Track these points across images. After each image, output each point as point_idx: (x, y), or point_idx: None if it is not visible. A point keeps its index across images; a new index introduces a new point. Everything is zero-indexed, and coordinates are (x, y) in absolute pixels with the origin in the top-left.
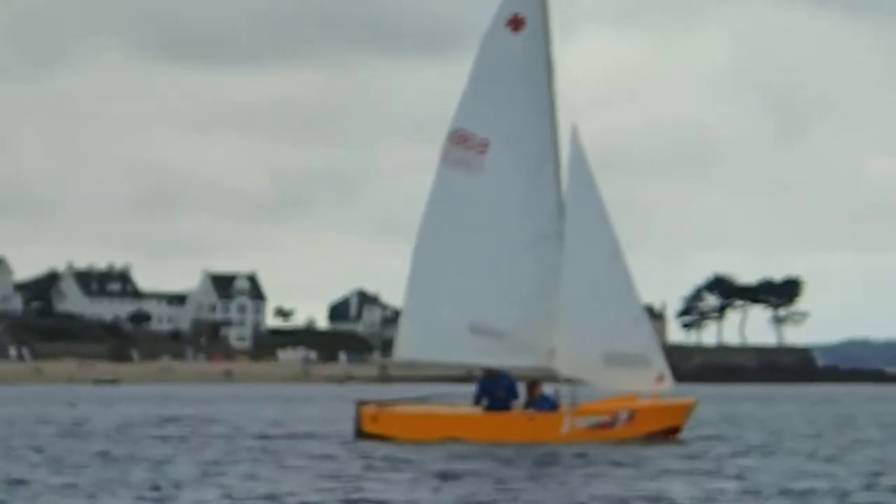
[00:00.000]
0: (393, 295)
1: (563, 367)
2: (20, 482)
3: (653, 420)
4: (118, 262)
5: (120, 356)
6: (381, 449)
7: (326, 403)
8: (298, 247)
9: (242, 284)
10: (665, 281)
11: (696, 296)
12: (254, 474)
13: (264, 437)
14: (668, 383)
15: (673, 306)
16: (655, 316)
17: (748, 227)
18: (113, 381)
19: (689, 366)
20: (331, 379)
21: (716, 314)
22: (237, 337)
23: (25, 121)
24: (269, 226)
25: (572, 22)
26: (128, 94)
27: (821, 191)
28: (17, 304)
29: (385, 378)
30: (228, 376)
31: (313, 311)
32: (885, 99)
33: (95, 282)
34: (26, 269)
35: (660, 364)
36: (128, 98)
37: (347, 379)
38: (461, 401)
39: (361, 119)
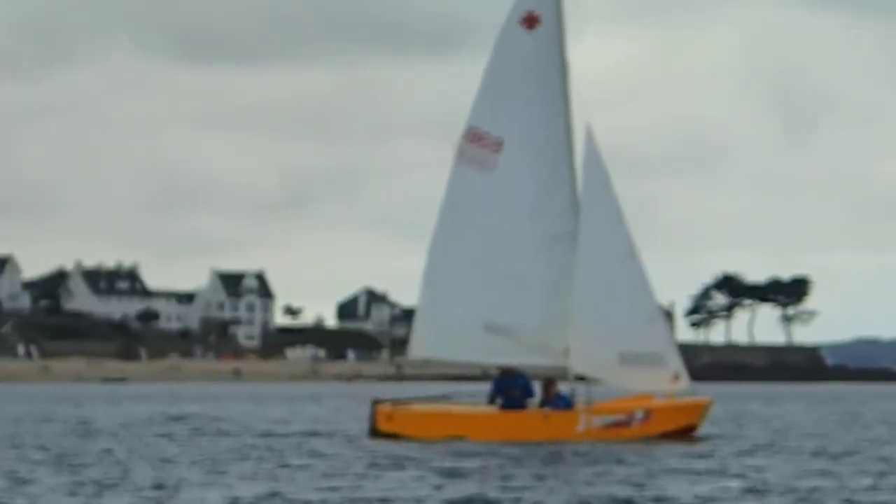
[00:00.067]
0: (401, 293)
1: (578, 367)
2: (23, 481)
3: (668, 419)
4: (126, 261)
5: (128, 355)
6: (386, 447)
7: (335, 402)
8: (307, 245)
9: (251, 283)
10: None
11: (705, 294)
12: (258, 473)
13: (270, 435)
14: (684, 382)
15: (681, 305)
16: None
17: (757, 225)
18: (121, 380)
19: (698, 365)
20: (339, 377)
21: (724, 313)
22: (246, 335)
23: (35, 120)
24: (278, 224)
25: (579, 21)
26: (137, 93)
27: (829, 190)
28: (25, 302)
29: (400, 377)
30: (237, 375)
31: (322, 310)
32: (894, 98)
33: (104, 280)
34: (35, 267)
35: (675, 363)
36: (137, 97)
37: (356, 377)
38: (476, 400)
39: (370, 118)
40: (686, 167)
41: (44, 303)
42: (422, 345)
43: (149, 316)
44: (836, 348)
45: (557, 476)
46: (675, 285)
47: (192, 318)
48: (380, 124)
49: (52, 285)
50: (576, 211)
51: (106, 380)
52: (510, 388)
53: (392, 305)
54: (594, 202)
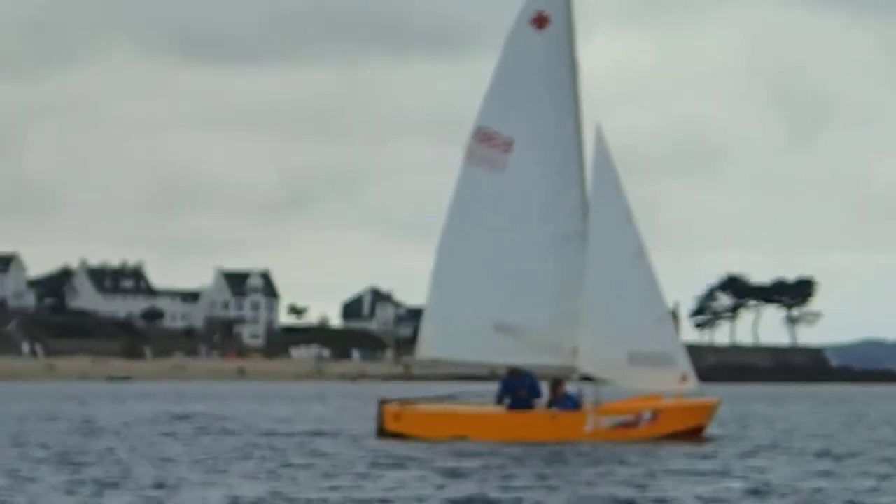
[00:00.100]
0: (406, 293)
1: (587, 367)
2: (26, 479)
3: (676, 420)
4: (131, 260)
5: (133, 353)
6: (388, 447)
7: (339, 401)
8: (312, 245)
9: (256, 282)
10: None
11: (710, 295)
12: (260, 473)
13: (273, 434)
14: (693, 383)
15: (686, 306)
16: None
17: (762, 226)
18: (126, 378)
19: (702, 365)
20: (344, 377)
21: (729, 314)
22: (250, 334)
23: (39, 119)
24: (283, 224)
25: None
26: (140, 93)
27: (834, 190)
28: (30, 300)
29: (408, 377)
30: (241, 374)
31: (326, 309)
32: None
33: (109, 279)
34: (40, 265)
35: (684, 364)
36: (139, 97)
37: (360, 377)
38: (483, 400)
39: (373, 117)
40: (690, 167)
41: (49, 301)
42: (430, 345)
43: (153, 315)
44: (841, 349)
45: (559, 476)
46: (680, 286)
47: (196, 317)
48: (381, 124)
49: (56, 284)
50: (585, 211)
51: (111, 378)
52: (518, 388)
53: (397, 305)
54: (604, 202)
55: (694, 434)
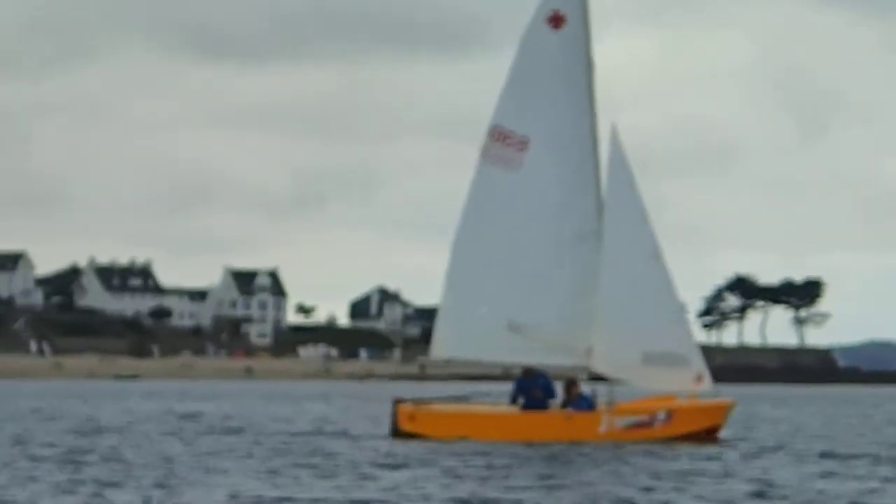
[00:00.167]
0: (414, 292)
1: (601, 367)
2: (28, 478)
3: (691, 420)
4: (140, 258)
5: (141, 352)
6: (392, 446)
7: (346, 401)
8: (320, 244)
9: (264, 281)
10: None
11: (717, 296)
12: (263, 472)
13: (278, 433)
14: (707, 383)
15: (694, 306)
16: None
17: (769, 227)
18: (133, 377)
19: (710, 366)
20: (351, 376)
21: (737, 314)
22: (258, 333)
23: (47, 117)
24: (291, 223)
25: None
26: (150, 91)
27: (843, 191)
28: (38, 298)
29: (422, 376)
30: (249, 373)
31: (334, 308)
32: None
33: (117, 277)
34: (48, 263)
35: (698, 364)
36: (149, 95)
37: (368, 376)
38: (496, 400)
39: (383, 116)
40: (698, 167)
41: (56, 299)
42: (444, 345)
43: (161, 313)
44: (849, 350)
45: (562, 477)
46: (688, 286)
47: (204, 315)
48: (390, 123)
49: (65, 282)
50: (600, 211)
51: (118, 377)
52: (532, 388)
53: (405, 304)
54: (619, 202)
55: (709, 434)
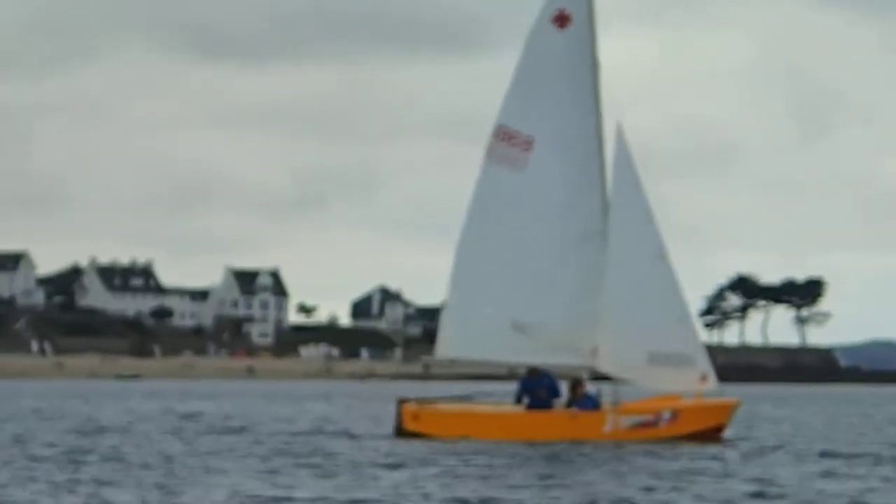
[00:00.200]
0: (415, 292)
1: (606, 367)
2: (28, 478)
3: (696, 420)
4: (141, 258)
5: (142, 351)
6: (392, 446)
7: (347, 400)
8: (321, 244)
9: (265, 281)
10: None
11: (719, 295)
12: (263, 471)
13: (279, 433)
14: (712, 383)
15: (695, 306)
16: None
17: (771, 226)
18: (135, 377)
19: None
20: (353, 376)
21: (738, 314)
22: (259, 333)
23: (49, 117)
24: (292, 223)
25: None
26: (151, 91)
27: (844, 191)
28: (39, 298)
29: (427, 376)
30: (250, 372)
31: (336, 308)
32: None
33: (118, 277)
34: (49, 263)
35: (704, 364)
36: (151, 96)
37: (369, 376)
38: (502, 399)
39: (383, 116)
40: (700, 167)
41: (58, 299)
42: (449, 344)
43: (163, 313)
44: (850, 350)
45: (562, 476)
46: (689, 286)
47: (205, 315)
48: (391, 123)
49: (66, 282)
50: (606, 211)
51: (119, 377)
52: (536, 387)
53: (406, 304)
54: (625, 202)
55: (714, 434)
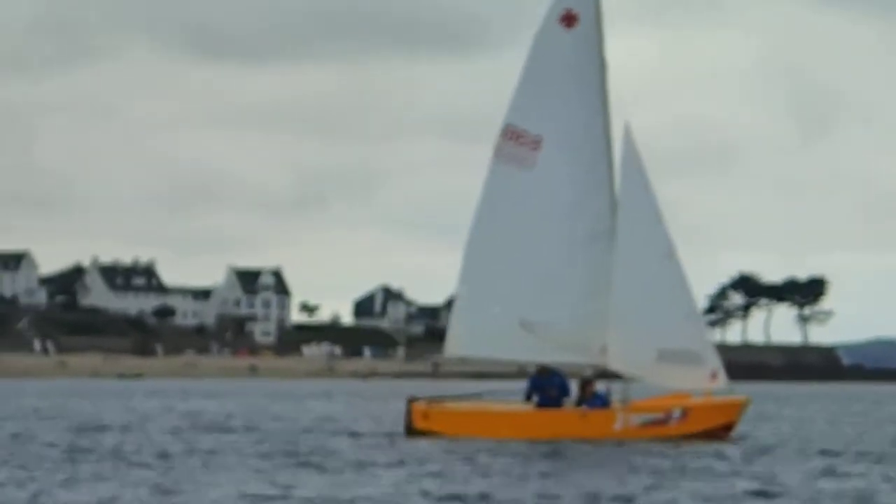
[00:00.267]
0: (417, 291)
1: (616, 365)
2: (29, 477)
3: (706, 417)
4: (143, 257)
5: (144, 351)
6: (392, 444)
7: (350, 399)
8: (322, 243)
9: (267, 280)
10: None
11: (721, 294)
12: (265, 470)
13: (281, 432)
14: (722, 381)
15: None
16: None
17: (773, 226)
18: (137, 376)
19: None
20: (355, 375)
21: (741, 313)
22: (262, 332)
23: (51, 116)
24: (293, 223)
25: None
26: (153, 91)
27: (844, 191)
28: (41, 297)
29: (436, 374)
30: (253, 371)
31: (338, 307)
32: None
33: (120, 276)
34: (51, 263)
35: (713, 361)
36: (153, 95)
37: (372, 374)
38: (512, 398)
39: (386, 116)
40: (699, 167)
41: (60, 298)
42: (458, 343)
43: (165, 312)
44: (853, 348)
45: (564, 474)
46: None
47: (208, 314)
48: (396, 122)
49: (68, 281)
50: (613, 210)
51: (122, 376)
52: (546, 386)
53: (408, 303)
54: (633, 201)
55: (724, 432)
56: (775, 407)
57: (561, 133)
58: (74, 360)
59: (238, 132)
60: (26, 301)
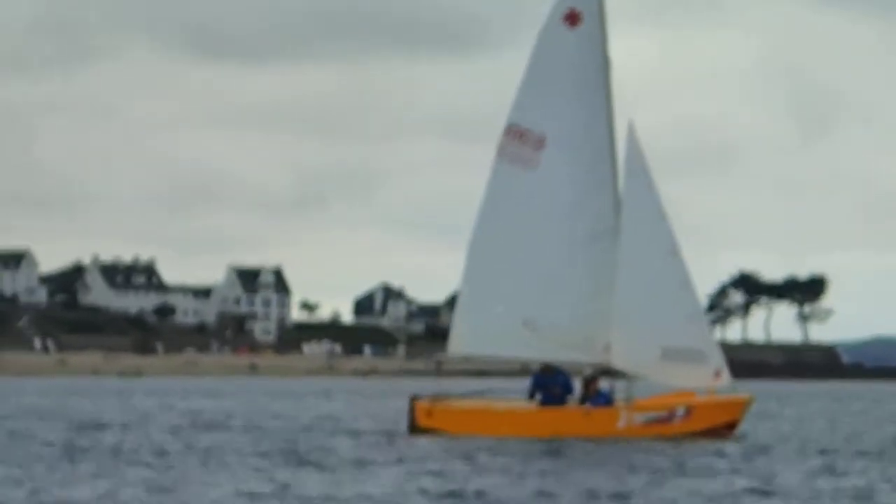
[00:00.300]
0: (417, 289)
1: (620, 363)
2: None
3: (710, 416)
4: (144, 256)
5: (145, 349)
6: (392, 442)
7: (350, 397)
8: (322, 242)
9: (268, 278)
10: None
11: (722, 293)
12: (264, 468)
13: (279, 430)
14: (726, 379)
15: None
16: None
17: (771, 227)
18: (137, 374)
19: None
20: (355, 372)
21: (741, 311)
22: (262, 330)
23: (53, 116)
24: (294, 222)
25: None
26: (153, 90)
27: (844, 190)
28: (42, 296)
29: (440, 373)
30: (253, 370)
31: (338, 305)
32: None
33: (121, 275)
34: (52, 261)
35: (717, 360)
36: (154, 95)
37: (372, 373)
38: (515, 396)
39: (385, 115)
40: (699, 167)
41: (60, 297)
42: (462, 341)
43: (165, 311)
44: (853, 347)
45: (562, 471)
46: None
47: (208, 313)
48: (396, 122)
49: (68, 280)
50: (617, 209)
51: (122, 374)
52: (550, 384)
53: (408, 301)
54: (636, 199)
55: (727, 430)
56: (775, 405)
57: (564, 132)
58: (74, 359)
59: (238, 132)
60: (26, 299)
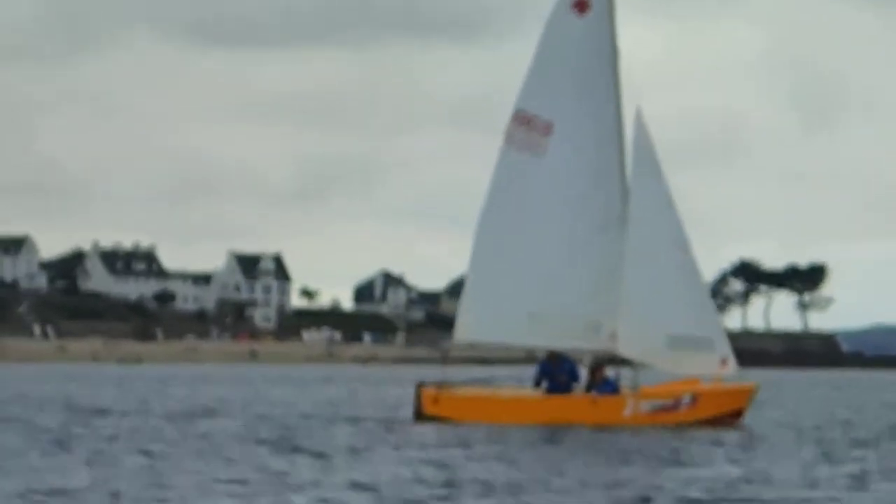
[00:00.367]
0: (418, 277)
1: (626, 351)
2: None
3: (716, 404)
4: (144, 242)
5: (145, 335)
6: (393, 431)
7: (350, 384)
8: (324, 228)
9: (268, 265)
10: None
11: (722, 281)
12: (262, 455)
13: (274, 417)
14: (732, 367)
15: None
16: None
17: (774, 217)
18: (137, 361)
19: None
20: (355, 360)
21: (741, 299)
22: (262, 317)
23: (55, 103)
24: (296, 208)
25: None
26: (155, 80)
27: (847, 179)
28: (42, 282)
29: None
30: (253, 356)
31: (338, 293)
32: None
33: (121, 261)
34: (52, 247)
35: (724, 348)
36: (155, 85)
37: (371, 360)
38: (521, 383)
39: (388, 105)
40: (704, 158)
41: (60, 283)
42: (468, 329)
43: (165, 297)
44: (853, 335)
45: (560, 460)
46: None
47: (208, 299)
48: (398, 111)
49: (69, 266)
50: (624, 197)
51: (122, 360)
52: (556, 372)
53: (408, 289)
54: (644, 187)
55: (733, 418)
56: (774, 393)
57: (572, 119)
58: (74, 345)
59: (240, 122)
60: (27, 286)
